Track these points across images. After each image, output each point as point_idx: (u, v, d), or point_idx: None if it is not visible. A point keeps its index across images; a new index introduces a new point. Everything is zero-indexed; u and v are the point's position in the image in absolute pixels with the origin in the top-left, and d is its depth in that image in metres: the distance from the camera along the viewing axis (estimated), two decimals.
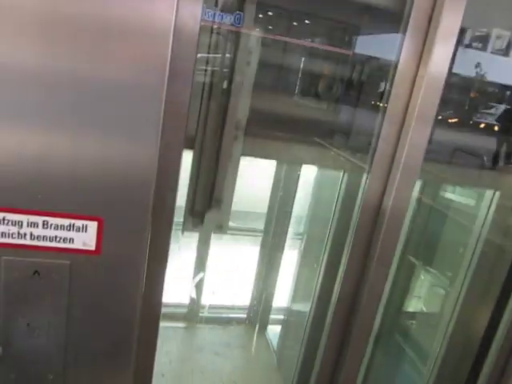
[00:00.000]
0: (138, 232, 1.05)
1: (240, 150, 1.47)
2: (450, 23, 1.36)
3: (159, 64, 1.01)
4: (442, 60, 1.38)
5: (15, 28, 0.90)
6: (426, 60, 1.39)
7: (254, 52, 1.47)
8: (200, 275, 3.13)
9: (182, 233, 1.56)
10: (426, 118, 1.41)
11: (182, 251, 3.25)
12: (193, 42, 1.18)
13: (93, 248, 1.03)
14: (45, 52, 0.92)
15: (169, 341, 2.97)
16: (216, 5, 1.40)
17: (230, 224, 1.60)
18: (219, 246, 3.25)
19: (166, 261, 1.31)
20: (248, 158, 1.54)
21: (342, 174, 1.73)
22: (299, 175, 3.05)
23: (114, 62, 0.97)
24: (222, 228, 1.57)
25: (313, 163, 1.82)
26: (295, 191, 3.04)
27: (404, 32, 1.41)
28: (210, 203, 1.52)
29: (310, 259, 2.35)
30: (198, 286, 3.17)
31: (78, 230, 1.00)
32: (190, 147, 1.44)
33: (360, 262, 1.56)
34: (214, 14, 1.41)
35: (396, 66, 1.42)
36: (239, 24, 1.41)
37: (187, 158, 1.37)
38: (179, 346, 3.04)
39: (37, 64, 0.92)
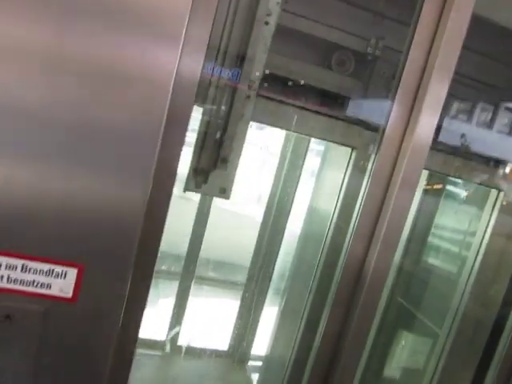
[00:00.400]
0: (118, 281, 1.03)
1: (251, 110, 1.42)
2: (436, 94, 1.43)
3: (157, 112, 1.04)
4: (427, 129, 1.44)
5: (21, 69, 0.93)
6: (412, 128, 1.45)
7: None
8: (176, 329, 3.03)
9: (184, 191, 1.46)
10: (411, 183, 1.45)
11: (160, 299, 3.18)
12: (191, 94, 1.22)
13: (69, 295, 1.00)
14: (47, 92, 0.94)
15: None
16: (216, 59, 1.42)
17: (210, 275, 1.56)
18: (199, 297, 3.19)
19: (143, 311, 1.27)
20: (233, 210, 1.52)
21: (326, 230, 1.74)
22: (284, 231, 3.06)
23: (114, 106, 0.99)
24: (225, 192, 1.47)
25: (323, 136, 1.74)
26: (279, 247, 3.04)
27: (393, 99, 1.48)
28: (215, 164, 1.43)
29: (291, 315, 2.30)
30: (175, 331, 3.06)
31: (57, 275, 0.98)
32: (202, 104, 1.39)
33: (340, 321, 1.54)
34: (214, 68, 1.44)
35: (383, 131, 1.47)
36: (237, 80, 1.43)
37: (197, 114, 1.34)
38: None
39: (37, 103, 0.94)
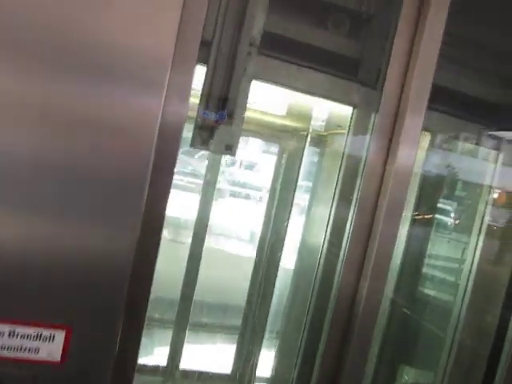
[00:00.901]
0: (107, 341, 1.01)
1: (253, 66, 1.44)
2: (412, 126, 1.48)
3: (143, 159, 1.06)
4: (406, 159, 1.48)
5: (8, 120, 0.95)
6: (392, 159, 1.48)
7: None
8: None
9: (191, 146, 1.43)
10: (396, 211, 1.47)
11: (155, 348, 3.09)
12: (177, 139, 1.25)
13: (58, 359, 0.97)
14: (35, 144, 0.96)
15: None
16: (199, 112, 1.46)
17: (205, 320, 1.52)
18: (194, 344, 3.12)
19: (135, 367, 1.22)
20: (226, 250, 1.52)
21: (317, 264, 1.73)
22: (277, 269, 3.04)
23: (101, 156, 1.01)
24: (231, 149, 1.45)
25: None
26: (274, 285, 3.01)
27: (371, 132, 1.52)
28: (220, 121, 1.42)
29: (287, 355, 2.25)
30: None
31: (45, 339, 0.96)
32: (204, 62, 1.40)
33: (336, 356, 1.52)
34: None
35: (365, 162, 1.51)
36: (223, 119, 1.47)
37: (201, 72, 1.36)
38: None
39: (23, 155, 0.96)
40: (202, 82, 1.41)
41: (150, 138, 1.06)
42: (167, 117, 1.19)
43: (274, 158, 3.32)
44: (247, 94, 1.46)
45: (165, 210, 1.24)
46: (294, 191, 3.14)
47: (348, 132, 1.65)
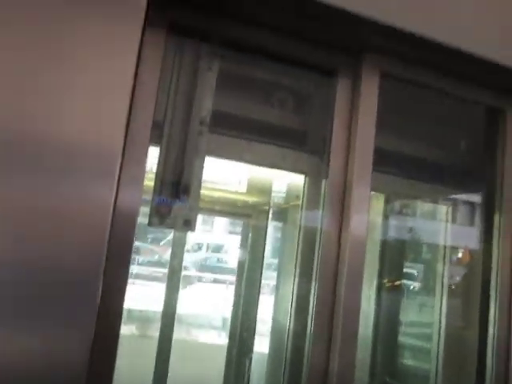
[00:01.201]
0: None
1: (205, 145, 1.51)
2: (360, 195, 1.56)
3: (96, 251, 1.05)
4: (359, 226, 1.54)
5: None
6: (346, 227, 1.54)
7: None
8: None
9: (149, 225, 1.43)
10: (355, 278, 1.49)
11: None
12: (132, 228, 1.26)
13: None
14: None
15: None
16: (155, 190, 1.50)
17: None
18: None
19: None
20: (197, 340, 1.47)
21: (286, 343, 1.69)
22: (251, 354, 2.92)
23: (51, 251, 1.00)
24: (190, 224, 1.46)
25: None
26: (249, 371, 2.87)
27: (323, 207, 1.59)
28: (177, 196, 1.45)
29: None
30: None
31: None
32: (157, 143, 1.45)
33: None
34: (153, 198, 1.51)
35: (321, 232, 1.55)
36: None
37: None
38: None
39: None
40: (156, 162, 1.47)
41: (102, 228, 1.07)
42: (121, 205, 1.21)
43: (240, 238, 3.32)
44: (201, 170, 1.53)
45: (122, 303, 1.21)
46: (262, 270, 3.12)
47: (302, 202, 1.71)
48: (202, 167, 1.53)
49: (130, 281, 1.27)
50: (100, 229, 1.06)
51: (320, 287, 1.50)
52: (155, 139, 1.42)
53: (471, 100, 1.84)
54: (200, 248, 5.30)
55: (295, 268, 1.68)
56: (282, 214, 2.60)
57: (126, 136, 1.28)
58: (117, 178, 1.14)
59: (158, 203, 1.46)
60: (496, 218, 1.83)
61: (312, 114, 1.86)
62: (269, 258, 3.08)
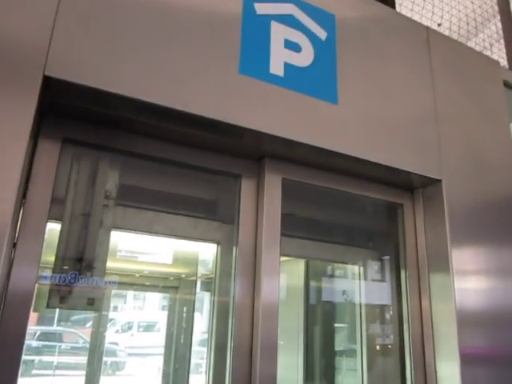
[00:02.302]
0: None
1: (111, 218, 1.45)
2: (270, 263, 1.56)
3: None
4: (271, 293, 1.53)
5: None
6: (258, 295, 1.53)
7: None
8: None
9: (48, 307, 1.29)
10: (270, 349, 1.45)
11: None
12: (26, 308, 1.17)
13: None
14: None
15: None
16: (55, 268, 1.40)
17: None
18: None
19: None
20: None
21: None
22: None
23: None
24: (94, 303, 1.33)
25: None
26: None
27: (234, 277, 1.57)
28: (79, 272, 1.34)
29: None
30: None
31: None
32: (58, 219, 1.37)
33: None
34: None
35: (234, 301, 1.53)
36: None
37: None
38: None
39: None
40: (57, 239, 1.39)
41: None
42: (15, 285, 1.15)
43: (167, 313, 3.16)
44: (107, 245, 1.46)
45: None
46: (190, 347, 2.96)
47: (215, 271, 1.68)
48: (107, 242, 1.47)
49: (49, 372, 1.17)
50: None
51: (235, 360, 1.44)
52: (56, 214, 1.37)
53: (374, 197, 1.96)
54: (130, 327, 4.97)
55: (209, 341, 1.60)
56: (208, 285, 2.59)
57: (22, 210, 1.24)
58: (3, 255, 1.06)
59: (57, 282, 1.37)
60: (402, 275, 1.93)
61: (221, 189, 1.88)
62: (200, 332, 2.94)
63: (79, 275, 1.38)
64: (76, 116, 1.39)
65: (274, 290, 1.54)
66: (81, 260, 1.39)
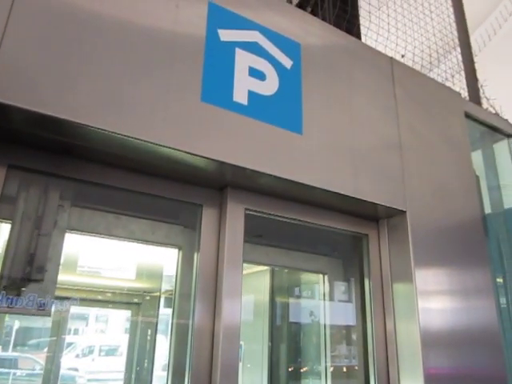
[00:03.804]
0: None
1: (66, 219, 1.40)
2: (231, 284, 1.52)
3: None
4: (232, 314, 1.48)
5: None
6: (219, 316, 1.48)
7: None
8: None
9: None
10: (231, 370, 1.39)
11: None
12: None
13: None
14: None
15: None
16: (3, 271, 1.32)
17: None
18: None
19: None
20: None
21: None
22: None
23: None
24: (45, 307, 1.25)
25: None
26: None
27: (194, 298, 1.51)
28: (29, 275, 1.27)
29: None
30: None
31: None
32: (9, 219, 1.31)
33: None
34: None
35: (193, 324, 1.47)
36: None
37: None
38: None
39: None
40: (6, 240, 1.32)
41: None
42: None
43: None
44: (61, 247, 1.40)
45: None
46: (152, 371, 2.85)
47: (175, 285, 1.63)
48: (61, 244, 1.40)
49: None
50: None
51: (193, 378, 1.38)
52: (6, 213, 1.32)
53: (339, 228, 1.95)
54: (91, 352, 4.76)
55: (168, 364, 1.54)
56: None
57: None
58: None
59: (6, 285, 1.29)
60: (367, 297, 1.93)
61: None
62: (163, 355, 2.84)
63: (30, 279, 1.31)
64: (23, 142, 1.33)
65: (236, 313, 1.50)
66: (31, 263, 1.32)
